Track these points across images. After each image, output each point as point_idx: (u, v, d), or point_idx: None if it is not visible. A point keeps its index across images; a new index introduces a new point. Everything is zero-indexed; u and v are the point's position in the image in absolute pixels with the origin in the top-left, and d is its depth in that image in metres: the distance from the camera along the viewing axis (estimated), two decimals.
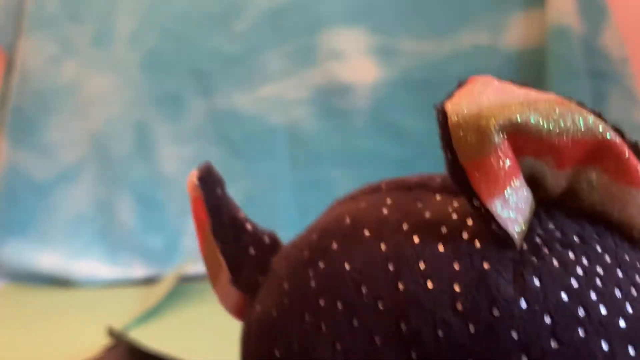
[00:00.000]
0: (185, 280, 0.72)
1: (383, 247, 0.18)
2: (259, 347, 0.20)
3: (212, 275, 0.23)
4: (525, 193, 0.16)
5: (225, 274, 0.22)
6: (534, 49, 0.82)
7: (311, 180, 0.81)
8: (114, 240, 0.80)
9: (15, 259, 0.79)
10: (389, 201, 0.19)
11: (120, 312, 0.59)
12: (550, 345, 0.16)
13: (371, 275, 0.17)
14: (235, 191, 0.85)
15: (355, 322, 0.17)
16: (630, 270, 0.17)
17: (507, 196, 0.16)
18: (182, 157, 0.81)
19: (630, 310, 0.16)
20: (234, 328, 0.50)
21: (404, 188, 0.20)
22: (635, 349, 0.16)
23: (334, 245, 0.19)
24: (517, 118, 0.16)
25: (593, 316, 0.16)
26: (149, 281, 0.76)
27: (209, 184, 0.20)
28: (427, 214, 0.18)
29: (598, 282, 0.16)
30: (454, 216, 0.18)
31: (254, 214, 0.83)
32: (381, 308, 0.17)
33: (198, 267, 0.78)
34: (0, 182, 0.81)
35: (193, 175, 0.21)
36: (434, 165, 0.21)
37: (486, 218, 0.16)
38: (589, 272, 0.16)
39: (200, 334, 0.51)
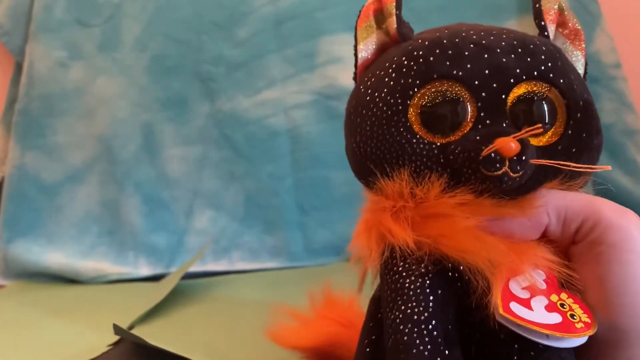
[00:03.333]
0: (189, 278, 0.73)
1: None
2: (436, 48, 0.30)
3: (361, 39, 0.33)
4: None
5: (379, 34, 0.33)
6: None
7: (311, 180, 0.81)
8: (120, 240, 0.81)
9: (23, 257, 0.79)
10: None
11: (125, 309, 0.60)
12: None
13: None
14: (238, 191, 0.85)
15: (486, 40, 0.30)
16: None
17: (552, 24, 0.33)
18: (187, 159, 0.82)
19: None
20: (234, 324, 0.51)
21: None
22: None
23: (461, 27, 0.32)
24: (562, 5, 0.33)
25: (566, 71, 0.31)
26: (154, 280, 0.77)
27: None
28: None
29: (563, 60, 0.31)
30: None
31: (256, 213, 0.84)
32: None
33: (202, 265, 0.79)
34: (10, 183, 0.82)
35: None
36: None
37: (541, 31, 0.32)
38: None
39: (202, 331, 0.51)
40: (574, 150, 0.30)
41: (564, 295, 0.30)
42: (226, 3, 0.84)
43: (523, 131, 0.28)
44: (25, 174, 0.82)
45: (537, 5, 0.32)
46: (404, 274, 0.30)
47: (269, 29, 0.83)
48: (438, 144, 0.29)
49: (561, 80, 0.30)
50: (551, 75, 0.30)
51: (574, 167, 0.29)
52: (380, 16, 0.33)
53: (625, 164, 0.83)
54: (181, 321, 0.55)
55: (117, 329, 0.45)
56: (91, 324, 0.56)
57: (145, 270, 0.79)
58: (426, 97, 0.30)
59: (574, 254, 0.30)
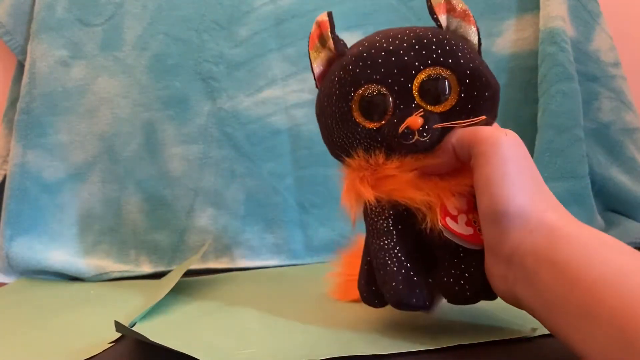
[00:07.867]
0: (191, 275, 0.73)
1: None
2: (359, 62, 0.43)
3: (314, 60, 0.47)
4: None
5: (325, 52, 0.46)
6: (527, 53, 0.83)
7: (312, 179, 0.82)
8: (122, 238, 0.81)
9: (26, 255, 0.79)
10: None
11: (126, 307, 0.60)
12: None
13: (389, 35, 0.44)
14: (239, 189, 0.85)
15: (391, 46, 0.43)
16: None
17: (443, 14, 0.43)
18: (188, 157, 0.82)
19: None
20: (235, 321, 0.51)
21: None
22: None
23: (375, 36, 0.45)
24: None
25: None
26: (156, 278, 0.77)
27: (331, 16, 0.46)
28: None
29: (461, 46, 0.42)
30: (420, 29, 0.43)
31: (256, 212, 0.84)
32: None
33: (203, 263, 0.79)
34: (12, 181, 0.82)
35: (324, 15, 0.47)
36: None
37: (436, 22, 0.43)
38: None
39: (203, 328, 0.52)
40: (469, 106, 0.41)
41: (476, 215, 0.41)
42: (227, 2, 0.84)
43: (419, 111, 0.41)
44: (27, 172, 0.82)
45: (429, 4, 0.43)
46: (375, 218, 0.44)
47: (269, 27, 0.83)
48: (374, 128, 0.43)
49: (450, 60, 0.41)
50: (441, 59, 0.41)
51: (459, 123, 0.41)
52: (322, 39, 0.46)
53: (624, 162, 0.83)
54: (182, 318, 0.55)
55: (118, 326, 0.44)
56: (93, 321, 0.56)
57: (146, 268, 0.79)
58: (360, 97, 0.43)
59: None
